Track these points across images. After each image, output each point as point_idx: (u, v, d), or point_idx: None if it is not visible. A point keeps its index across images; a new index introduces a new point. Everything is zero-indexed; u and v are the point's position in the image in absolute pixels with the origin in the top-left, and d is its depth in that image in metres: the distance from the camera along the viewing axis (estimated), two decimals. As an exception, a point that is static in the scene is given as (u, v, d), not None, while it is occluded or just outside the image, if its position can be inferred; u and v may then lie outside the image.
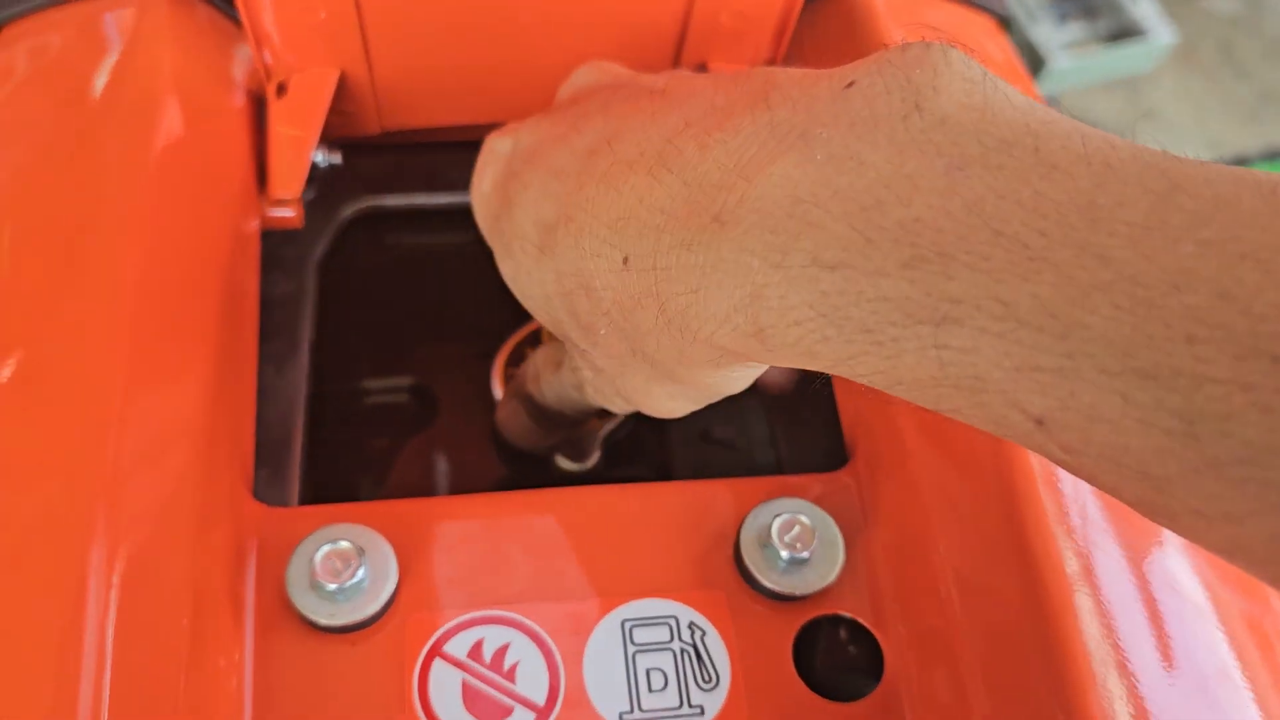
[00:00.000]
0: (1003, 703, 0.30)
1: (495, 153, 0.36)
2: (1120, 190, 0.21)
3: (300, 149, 0.40)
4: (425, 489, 0.46)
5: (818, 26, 0.46)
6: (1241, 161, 1.75)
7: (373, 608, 0.31)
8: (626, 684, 0.31)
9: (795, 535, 0.33)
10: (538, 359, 0.39)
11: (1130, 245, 0.20)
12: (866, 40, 0.43)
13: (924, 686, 0.32)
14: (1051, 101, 1.39)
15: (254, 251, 0.40)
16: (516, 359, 0.44)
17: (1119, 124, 1.77)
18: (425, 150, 0.47)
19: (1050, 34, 1.29)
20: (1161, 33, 1.30)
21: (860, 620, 0.33)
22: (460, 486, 0.47)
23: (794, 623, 0.33)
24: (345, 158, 0.45)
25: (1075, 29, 1.34)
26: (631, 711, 0.31)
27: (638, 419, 0.40)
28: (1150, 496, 0.21)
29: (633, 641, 0.32)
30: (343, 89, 0.42)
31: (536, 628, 0.32)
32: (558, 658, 0.31)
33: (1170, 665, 0.30)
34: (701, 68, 0.43)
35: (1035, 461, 0.32)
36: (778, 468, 0.39)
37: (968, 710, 0.30)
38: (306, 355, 0.40)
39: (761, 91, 0.28)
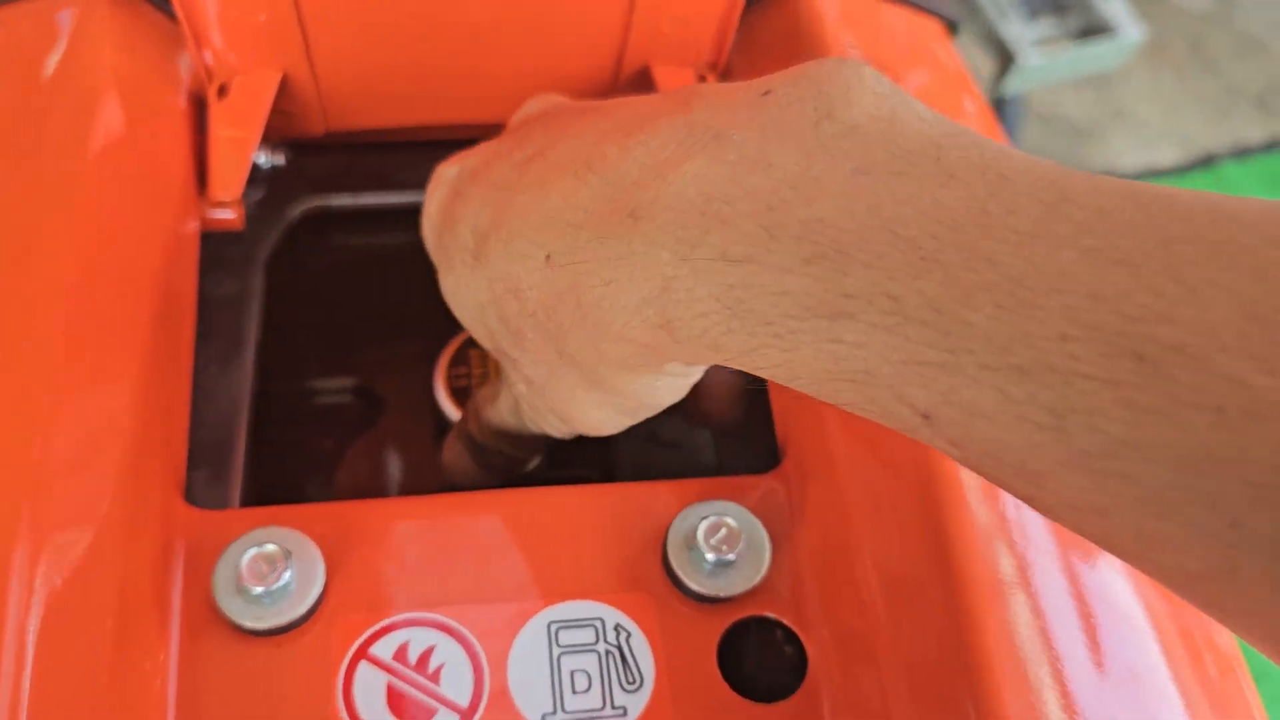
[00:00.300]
0: (922, 703, 0.31)
1: (443, 178, 0.37)
2: (1012, 200, 0.22)
3: (241, 151, 0.40)
4: (370, 490, 0.46)
5: (762, 30, 0.46)
6: (1209, 159, 1.76)
7: (299, 611, 0.31)
8: (551, 685, 0.32)
9: (721, 538, 0.33)
10: (477, 398, 0.39)
11: (1016, 250, 0.21)
12: (811, 45, 0.43)
13: (846, 687, 0.32)
14: (1022, 99, 1.39)
15: (192, 252, 0.40)
16: (460, 359, 0.44)
17: (1090, 121, 1.78)
18: (374, 150, 0.47)
19: (1020, 31, 1.29)
20: (1131, 30, 1.30)
21: (784, 621, 0.33)
22: (405, 487, 0.47)
23: (719, 625, 0.33)
24: (294, 158, 0.45)
25: (1045, 26, 1.34)
26: (554, 712, 0.31)
27: None
28: (1030, 491, 0.22)
29: (558, 643, 0.32)
30: (286, 90, 0.42)
31: (463, 630, 0.32)
32: (483, 660, 0.32)
33: (1101, 668, 0.30)
34: (644, 71, 0.43)
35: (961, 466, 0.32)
36: (719, 470, 0.40)
37: (887, 711, 0.31)
38: (251, 356, 0.40)
39: (684, 98, 0.29)
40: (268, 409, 0.42)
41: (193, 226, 0.40)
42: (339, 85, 0.43)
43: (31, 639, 0.27)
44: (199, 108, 0.42)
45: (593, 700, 0.31)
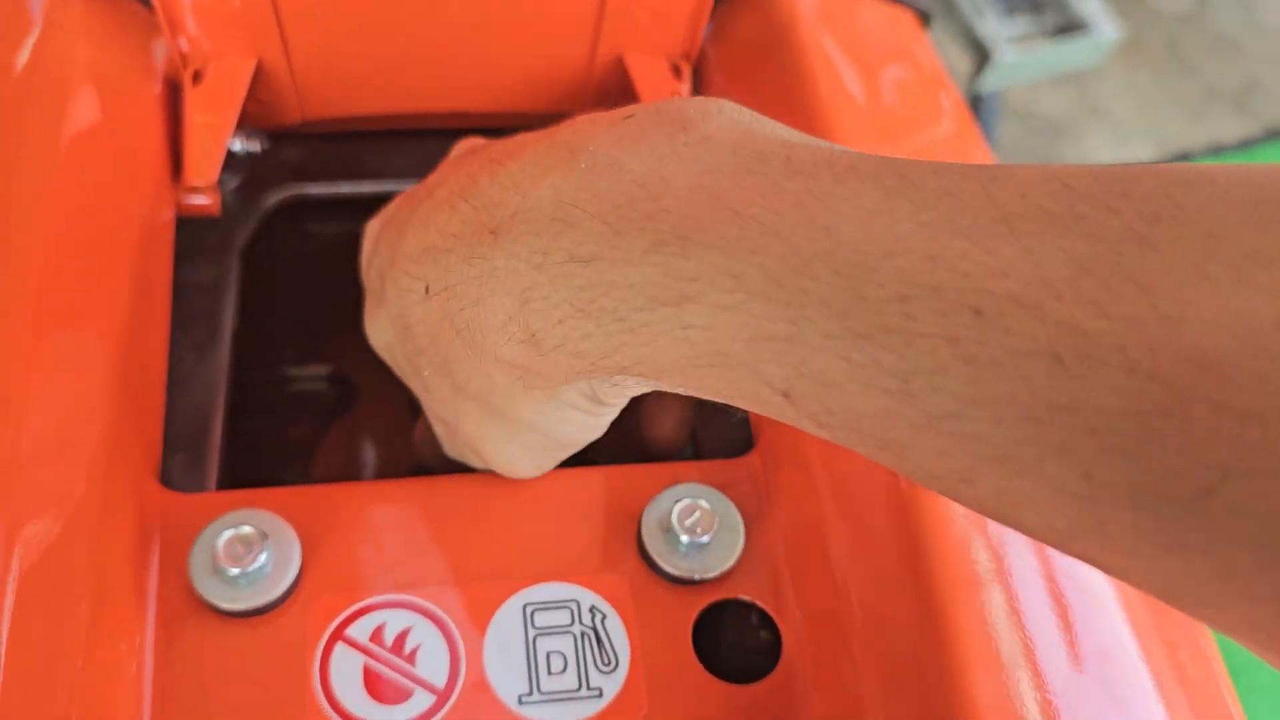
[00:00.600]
0: (895, 684, 0.31)
1: (369, 232, 0.37)
2: (857, 185, 0.23)
3: (216, 137, 0.40)
4: (345, 475, 0.46)
5: (738, 22, 0.46)
6: (1185, 157, 1.77)
7: (275, 592, 0.31)
8: (526, 666, 0.32)
9: (696, 520, 0.33)
10: (418, 427, 0.40)
11: (855, 223, 0.22)
12: (785, 37, 0.44)
13: (819, 668, 0.32)
14: (998, 96, 1.40)
15: (167, 239, 0.40)
16: None
17: (1067, 118, 1.79)
18: (351, 139, 0.47)
19: (996, 28, 1.30)
20: (1107, 28, 1.31)
21: (758, 603, 0.34)
22: (381, 473, 0.47)
23: (694, 606, 0.33)
24: (270, 147, 0.45)
25: (1021, 23, 1.35)
26: (530, 693, 0.31)
27: None
28: (896, 461, 0.22)
29: (534, 625, 0.32)
30: (261, 78, 0.42)
31: (439, 611, 0.32)
32: (459, 641, 0.32)
33: (1073, 649, 0.31)
34: (618, 61, 0.43)
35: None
36: (696, 454, 0.40)
37: (858, 692, 0.31)
38: (228, 342, 0.40)
39: (556, 127, 0.30)
40: (244, 396, 0.42)
41: (168, 213, 0.40)
42: (314, 72, 0.43)
43: (5, 622, 0.27)
44: (174, 94, 0.42)
45: (568, 681, 0.32)
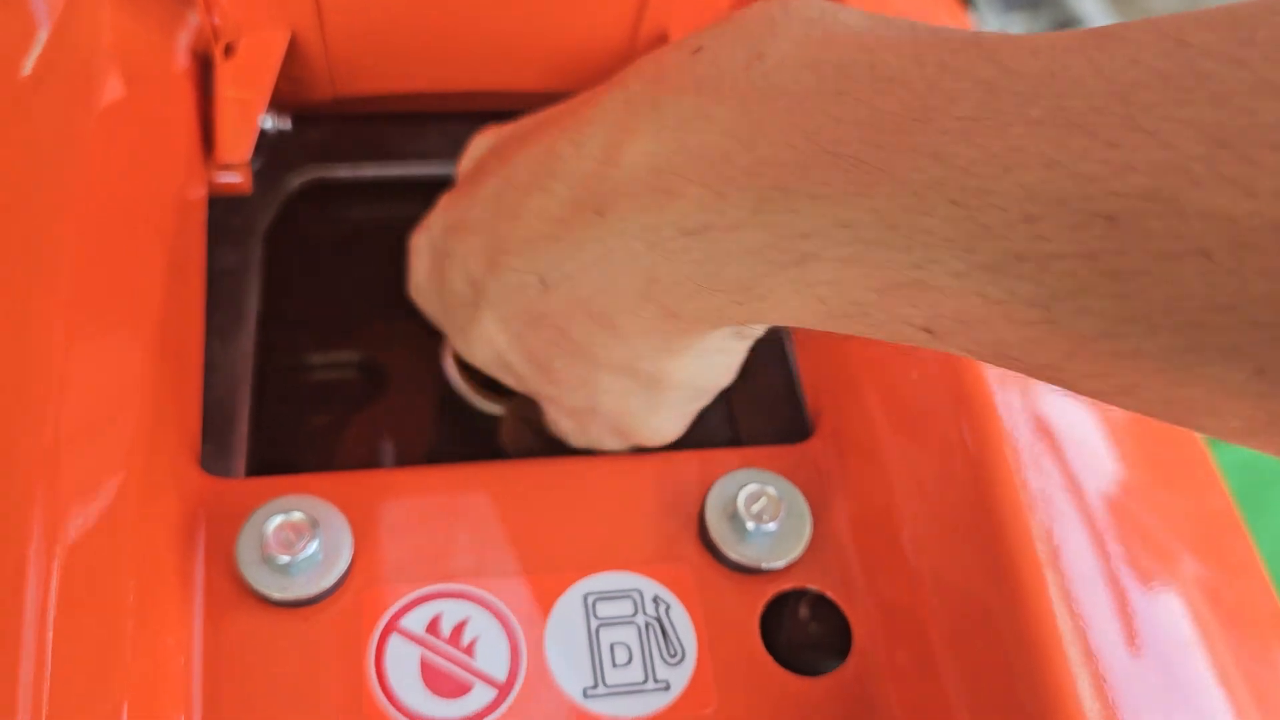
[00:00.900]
0: (972, 677, 0.30)
1: (419, 247, 0.36)
2: (952, 86, 0.21)
3: (248, 112, 0.39)
4: (373, 465, 0.44)
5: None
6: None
7: (327, 581, 0.30)
8: (590, 659, 0.30)
9: (762, 506, 0.32)
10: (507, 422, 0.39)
11: (963, 138, 0.20)
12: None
13: (892, 661, 0.31)
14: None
15: (200, 218, 0.38)
16: None
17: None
18: (375, 121, 0.46)
19: (994, 26, 1.30)
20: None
21: (828, 594, 0.32)
22: (409, 463, 0.45)
23: (761, 596, 0.32)
24: (294, 128, 0.44)
25: (1018, 21, 1.35)
26: (595, 686, 0.30)
27: None
28: (1055, 382, 0.21)
29: (595, 615, 0.31)
30: (293, 52, 0.41)
31: (496, 602, 0.31)
32: (519, 633, 0.31)
33: (1134, 643, 0.30)
34: (663, 37, 0.42)
35: (1004, 435, 0.31)
36: (736, 442, 0.39)
37: (938, 685, 0.30)
38: (253, 328, 0.38)
39: (620, 76, 0.28)
40: (269, 382, 0.40)
41: (200, 191, 0.39)
42: (348, 47, 0.41)
43: (52, 612, 0.26)
44: (203, 68, 0.41)
45: (634, 674, 0.30)
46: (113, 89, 0.36)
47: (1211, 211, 0.17)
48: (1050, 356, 0.20)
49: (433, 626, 0.30)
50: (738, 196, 0.23)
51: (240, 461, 0.35)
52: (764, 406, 0.39)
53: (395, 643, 0.30)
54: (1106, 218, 0.18)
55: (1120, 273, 0.18)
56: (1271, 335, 0.17)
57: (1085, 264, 0.18)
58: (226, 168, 0.39)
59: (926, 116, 0.21)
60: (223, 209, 0.40)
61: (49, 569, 0.26)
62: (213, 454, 0.35)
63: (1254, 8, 0.18)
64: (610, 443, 0.33)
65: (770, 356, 0.40)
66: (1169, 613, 0.32)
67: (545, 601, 0.31)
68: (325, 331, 0.46)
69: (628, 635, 0.31)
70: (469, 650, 0.30)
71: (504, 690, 0.30)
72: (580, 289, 0.27)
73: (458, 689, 0.30)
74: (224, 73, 0.39)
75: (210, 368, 0.36)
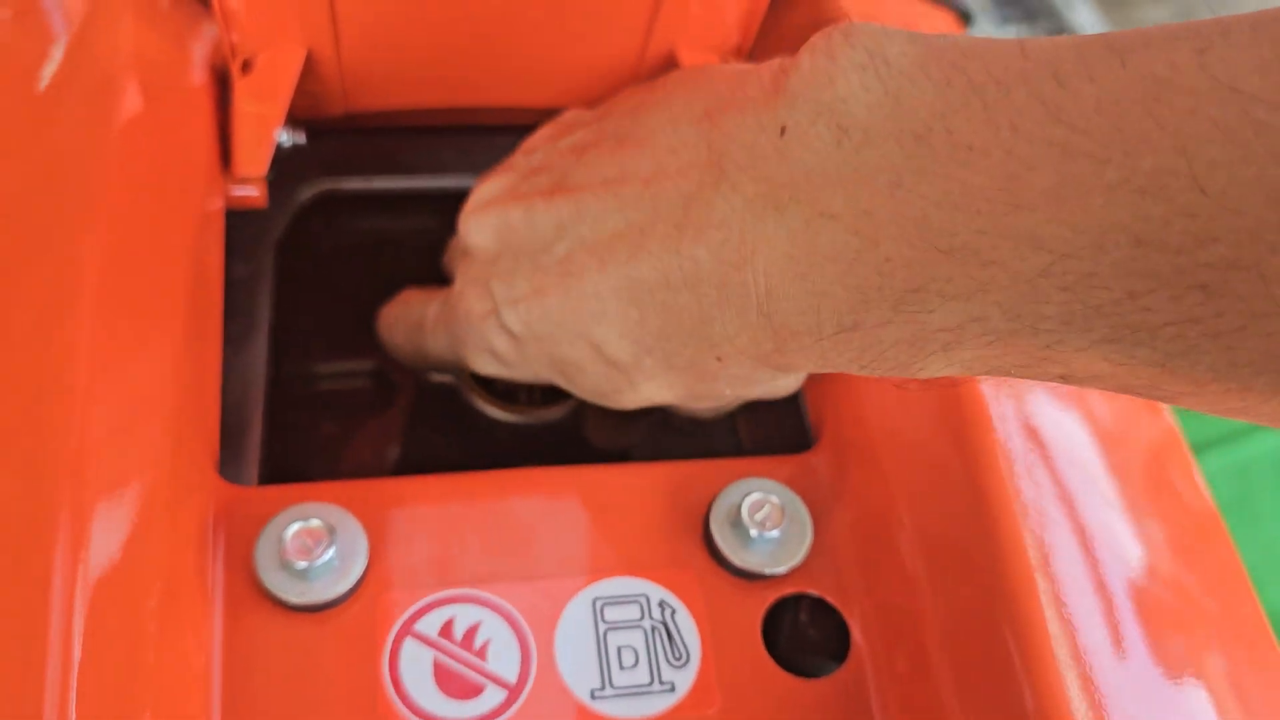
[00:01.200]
0: (967, 681, 0.31)
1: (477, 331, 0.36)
2: (1028, 153, 0.21)
3: (265, 127, 0.40)
4: (384, 473, 0.45)
5: (785, 17, 0.46)
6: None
7: (343, 586, 0.31)
8: (598, 661, 0.31)
9: (765, 514, 0.33)
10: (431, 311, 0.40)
11: (1052, 218, 0.21)
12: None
13: (889, 664, 0.32)
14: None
15: (218, 230, 0.39)
16: None
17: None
18: (386, 134, 0.47)
19: (991, 36, 1.32)
20: (1102, 38, 1.33)
21: (827, 599, 0.33)
22: (420, 471, 0.46)
23: (763, 601, 0.33)
24: (306, 140, 0.45)
25: (1014, 33, 1.36)
26: (603, 688, 0.31)
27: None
28: (1176, 404, 0.23)
29: (604, 619, 0.32)
30: (308, 69, 0.41)
31: (508, 606, 0.32)
32: (529, 636, 0.31)
33: (1120, 646, 0.31)
34: (670, 56, 0.43)
35: (998, 446, 0.32)
36: (740, 452, 0.40)
37: (932, 686, 0.31)
38: (265, 337, 0.39)
39: (712, 162, 0.29)
40: (281, 392, 0.41)
41: (218, 204, 0.39)
42: (362, 63, 0.42)
43: (79, 615, 0.27)
44: (220, 83, 0.42)
45: (640, 676, 0.31)
46: (133, 102, 0.37)
47: None
48: (1167, 393, 0.22)
49: (446, 630, 0.31)
50: (877, 298, 0.24)
51: (253, 469, 0.36)
52: (767, 418, 0.40)
53: (409, 646, 0.31)
54: (1200, 288, 0.20)
55: (1221, 332, 0.20)
56: None
57: (1191, 327, 0.20)
58: (243, 181, 0.40)
59: (1012, 190, 0.22)
60: (235, 219, 0.41)
61: (75, 571, 0.27)
62: (226, 461, 0.36)
63: None
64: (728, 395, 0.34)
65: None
66: (1155, 617, 0.33)
67: (555, 606, 0.32)
68: (336, 341, 0.47)
69: (634, 638, 0.32)
70: (481, 653, 0.31)
71: (514, 692, 0.31)
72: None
73: (470, 690, 0.31)
74: (242, 88, 0.40)
75: (224, 376, 0.37)
